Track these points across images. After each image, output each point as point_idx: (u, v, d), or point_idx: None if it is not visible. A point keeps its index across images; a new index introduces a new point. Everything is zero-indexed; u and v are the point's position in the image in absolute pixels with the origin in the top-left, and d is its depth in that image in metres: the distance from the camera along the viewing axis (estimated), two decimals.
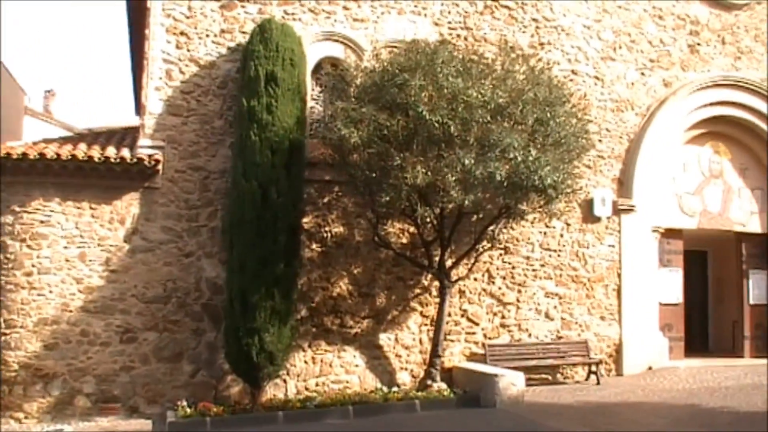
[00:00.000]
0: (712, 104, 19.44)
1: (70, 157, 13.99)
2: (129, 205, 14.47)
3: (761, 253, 20.64)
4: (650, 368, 17.87)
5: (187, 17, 15.13)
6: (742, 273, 20.57)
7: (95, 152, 14.19)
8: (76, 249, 14.16)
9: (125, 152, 14.38)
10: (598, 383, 16.57)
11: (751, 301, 20.44)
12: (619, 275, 17.98)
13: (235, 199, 13.72)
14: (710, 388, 15.88)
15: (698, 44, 19.47)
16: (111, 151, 14.33)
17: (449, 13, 16.93)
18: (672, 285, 19.28)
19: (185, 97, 14.98)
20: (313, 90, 15.86)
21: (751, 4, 20.23)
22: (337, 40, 15.96)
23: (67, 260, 14.10)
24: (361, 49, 15.85)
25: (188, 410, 13.16)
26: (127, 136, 15.77)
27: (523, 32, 17.57)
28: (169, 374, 14.33)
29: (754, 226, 20.44)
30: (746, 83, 19.71)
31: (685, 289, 19.76)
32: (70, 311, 13.99)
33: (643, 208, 18.25)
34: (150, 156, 14.39)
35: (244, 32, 15.24)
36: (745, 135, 20.19)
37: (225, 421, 12.95)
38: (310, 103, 15.43)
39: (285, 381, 14.89)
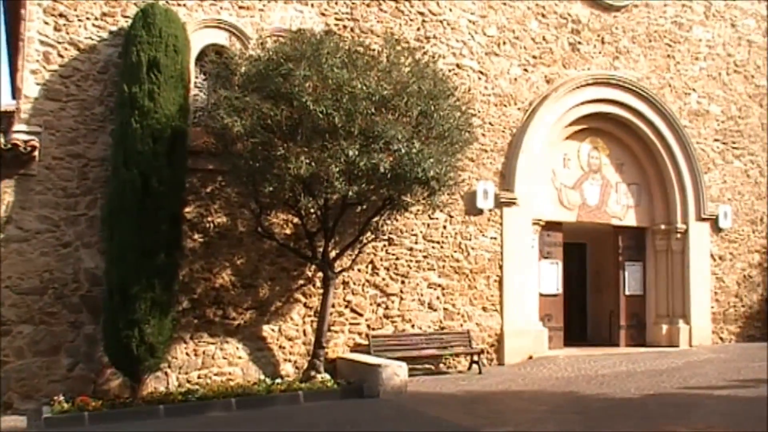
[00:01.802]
0: (591, 101, 20.03)
1: None
2: (3, 193, 13.87)
3: (636, 246, 21.50)
4: (531, 357, 18.31)
5: None
6: (618, 265, 21.36)
7: None
8: None
9: None
10: (480, 372, 16.91)
11: (627, 292, 21.28)
12: (500, 267, 18.34)
13: (116, 188, 13.37)
14: (587, 376, 16.40)
15: (579, 43, 20.04)
16: None
17: (336, 3, 16.90)
18: (552, 276, 19.87)
19: (64, 82, 14.44)
20: (196, 78, 15.56)
21: (629, 7, 20.94)
22: (222, 28, 15.67)
23: None
24: (247, 38, 15.61)
25: (65, 405, 12.72)
26: (1, 120, 15.15)
27: (410, 25, 17.71)
28: (46, 368, 13.82)
29: (630, 220, 21.24)
30: (624, 82, 20.41)
31: (564, 281, 20.38)
32: None
33: (524, 201, 18.65)
34: (26, 142, 13.82)
35: (126, 16, 14.77)
36: (623, 132, 20.93)
37: (104, 416, 12.59)
38: (193, 91, 15.14)
39: (166, 374, 14.60)
